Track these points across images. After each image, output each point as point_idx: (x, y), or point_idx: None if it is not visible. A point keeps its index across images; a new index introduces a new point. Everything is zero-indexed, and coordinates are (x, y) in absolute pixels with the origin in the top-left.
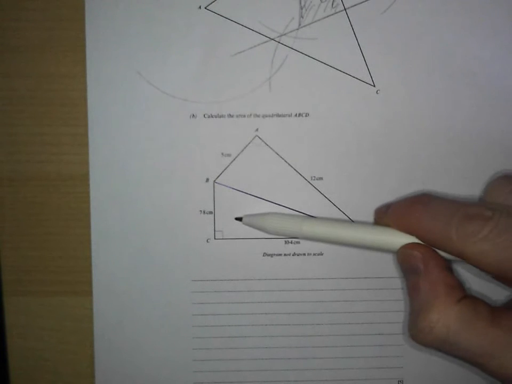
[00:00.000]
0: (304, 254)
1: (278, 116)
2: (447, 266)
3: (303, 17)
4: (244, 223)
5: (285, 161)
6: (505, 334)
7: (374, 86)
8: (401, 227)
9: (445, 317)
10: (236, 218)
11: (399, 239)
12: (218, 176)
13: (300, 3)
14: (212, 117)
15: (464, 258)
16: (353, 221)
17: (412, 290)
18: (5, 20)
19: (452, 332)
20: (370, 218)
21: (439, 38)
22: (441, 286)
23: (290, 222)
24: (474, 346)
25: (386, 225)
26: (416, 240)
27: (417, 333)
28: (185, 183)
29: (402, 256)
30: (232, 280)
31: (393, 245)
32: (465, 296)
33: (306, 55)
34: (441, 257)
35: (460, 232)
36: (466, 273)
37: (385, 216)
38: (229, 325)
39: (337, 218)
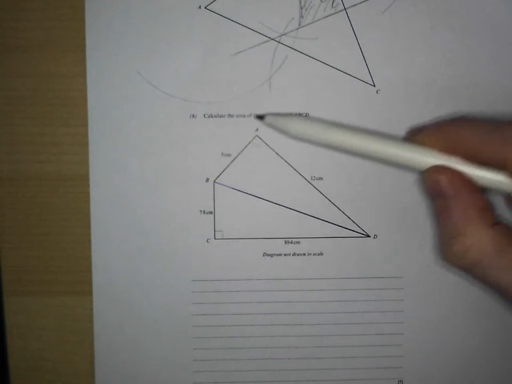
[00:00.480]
0: (304, 254)
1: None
2: (478, 190)
3: (303, 17)
4: (266, 123)
5: (285, 161)
6: None
7: (374, 86)
8: (439, 140)
9: (479, 242)
10: (257, 116)
11: (428, 158)
12: (218, 176)
13: (300, 3)
14: (212, 117)
15: (506, 163)
16: (382, 135)
17: (442, 213)
18: (5, 19)
19: (486, 256)
20: (370, 219)
21: (439, 38)
22: (473, 210)
23: (316, 128)
24: (505, 273)
25: (420, 142)
26: (446, 163)
27: (452, 256)
28: (185, 183)
29: (430, 179)
30: (232, 280)
31: (421, 163)
32: (498, 222)
33: (306, 55)
34: (472, 181)
35: (504, 135)
36: (497, 201)
37: (421, 132)
38: (229, 325)
39: (366, 129)
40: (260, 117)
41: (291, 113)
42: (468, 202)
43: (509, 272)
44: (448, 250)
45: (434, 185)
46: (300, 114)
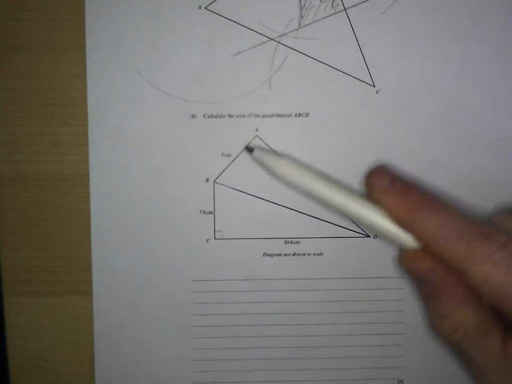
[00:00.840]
0: (304, 254)
1: (278, 115)
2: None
3: (303, 17)
4: (253, 158)
5: None
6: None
7: (374, 86)
8: (403, 222)
9: (466, 322)
10: (246, 148)
11: (401, 234)
12: (218, 176)
13: (300, 3)
14: (212, 117)
15: (464, 275)
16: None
17: (427, 297)
18: (5, 19)
19: (466, 339)
20: None
21: (439, 38)
22: (459, 292)
23: (302, 174)
24: (477, 360)
25: (381, 204)
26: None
27: (442, 332)
28: (185, 183)
29: (411, 267)
30: (232, 280)
31: (395, 238)
32: (481, 304)
33: (306, 55)
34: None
35: (469, 248)
36: None
37: (386, 196)
38: (229, 325)
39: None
40: (249, 149)
41: (284, 155)
42: (455, 288)
43: (481, 360)
44: (438, 327)
45: (420, 272)
46: (300, 115)
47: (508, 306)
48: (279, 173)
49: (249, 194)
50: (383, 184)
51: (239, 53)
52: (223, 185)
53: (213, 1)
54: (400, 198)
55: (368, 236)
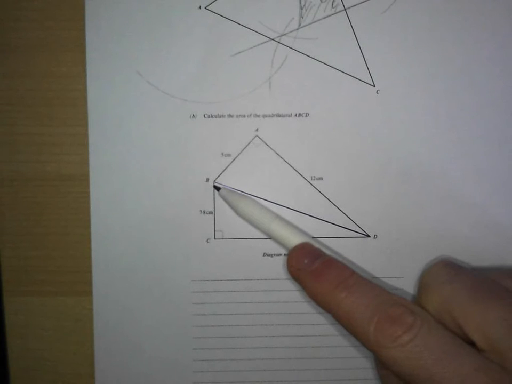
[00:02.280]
0: None
1: (278, 115)
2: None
3: (303, 17)
4: (220, 195)
5: (285, 161)
6: None
7: (374, 86)
8: (319, 302)
9: None
10: (214, 186)
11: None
12: (218, 176)
13: (300, 3)
14: (212, 117)
15: (377, 356)
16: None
17: None
18: (5, 19)
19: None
20: (370, 219)
21: (439, 38)
22: None
23: (261, 215)
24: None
25: (300, 284)
26: None
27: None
28: (185, 183)
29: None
30: (232, 280)
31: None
32: None
33: (306, 55)
34: None
35: (377, 332)
36: None
37: (303, 277)
38: (229, 325)
39: (304, 231)
40: (217, 188)
41: (246, 196)
42: None
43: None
44: (384, 377)
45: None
46: (300, 115)
47: None
48: (240, 213)
49: (249, 194)
50: (301, 266)
51: (239, 53)
52: (223, 185)
53: (213, 1)
54: (316, 281)
55: (368, 236)
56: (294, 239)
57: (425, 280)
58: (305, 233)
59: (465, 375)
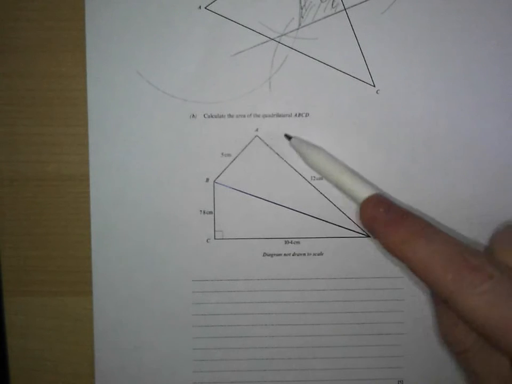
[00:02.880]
0: (304, 254)
1: (278, 115)
2: None
3: (303, 17)
4: (291, 144)
5: (285, 161)
6: None
7: (374, 86)
8: (394, 250)
9: (468, 339)
10: (285, 135)
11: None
12: (218, 176)
13: (300, 3)
14: (212, 117)
15: (452, 304)
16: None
17: (438, 304)
18: (5, 19)
19: (470, 353)
20: None
21: (439, 38)
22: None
23: (332, 166)
24: (481, 374)
25: (375, 234)
26: None
27: (446, 341)
28: (185, 183)
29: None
30: (232, 280)
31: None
32: None
33: (306, 55)
34: None
35: (457, 278)
36: None
37: (379, 226)
38: (229, 325)
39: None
40: (288, 137)
41: (320, 148)
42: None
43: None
44: (444, 334)
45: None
46: (300, 115)
47: (494, 337)
48: (311, 162)
49: (249, 194)
50: (376, 215)
51: (239, 53)
52: (223, 185)
53: (213, 1)
54: (392, 229)
55: (368, 236)
56: (366, 191)
57: (498, 239)
58: (377, 187)
59: None
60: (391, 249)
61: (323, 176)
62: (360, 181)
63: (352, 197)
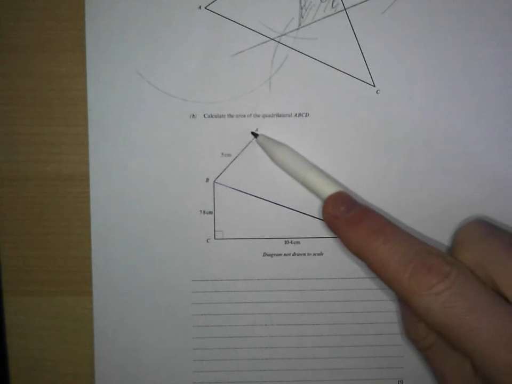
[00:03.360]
0: (304, 254)
1: (278, 115)
2: None
3: (303, 17)
4: (257, 142)
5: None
6: None
7: (374, 86)
8: (353, 248)
9: (429, 337)
10: (252, 133)
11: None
12: (218, 176)
13: (300, 3)
14: (212, 117)
15: (409, 304)
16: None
17: (400, 300)
18: (5, 19)
19: (433, 350)
20: None
21: (439, 38)
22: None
23: (297, 164)
24: (443, 370)
25: (335, 232)
26: None
27: (409, 337)
28: (185, 183)
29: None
30: (232, 280)
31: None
32: None
33: (306, 55)
34: None
35: (412, 279)
36: None
37: (339, 224)
38: (229, 325)
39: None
40: (254, 135)
41: (284, 144)
42: None
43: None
44: (407, 330)
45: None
46: (300, 115)
47: (450, 337)
48: (276, 159)
49: (249, 194)
50: (337, 213)
51: (239, 53)
52: (223, 185)
53: (213, 1)
54: (352, 227)
55: None
56: (330, 189)
57: (459, 237)
58: (341, 185)
59: (500, 325)
60: (350, 247)
61: (289, 174)
62: (324, 179)
63: (317, 195)
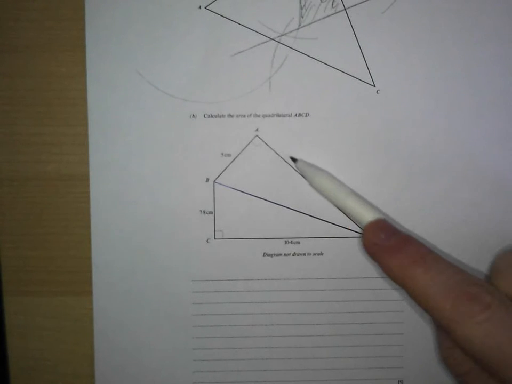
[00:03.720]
0: (304, 254)
1: (278, 115)
2: None
3: (303, 17)
4: (296, 167)
5: (285, 161)
6: None
7: (374, 86)
8: (394, 277)
9: (466, 363)
10: (291, 158)
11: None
12: (218, 176)
13: (300, 3)
14: (212, 117)
15: (450, 332)
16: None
17: (437, 326)
18: (5, 19)
19: (470, 376)
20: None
21: (439, 38)
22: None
23: (336, 190)
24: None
25: (375, 259)
26: None
27: (445, 363)
28: (185, 183)
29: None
30: (232, 280)
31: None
32: None
33: (306, 55)
34: None
35: (454, 309)
36: None
37: (379, 252)
38: (229, 325)
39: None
40: (293, 159)
41: (323, 170)
42: None
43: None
44: (443, 357)
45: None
46: (300, 115)
47: (490, 366)
48: (316, 185)
49: (249, 194)
50: (377, 241)
51: (239, 53)
52: (223, 185)
53: (213, 1)
54: (392, 255)
55: None
56: (369, 215)
57: (498, 265)
58: (380, 211)
59: None
60: (390, 275)
61: (328, 199)
62: (364, 205)
63: (356, 221)
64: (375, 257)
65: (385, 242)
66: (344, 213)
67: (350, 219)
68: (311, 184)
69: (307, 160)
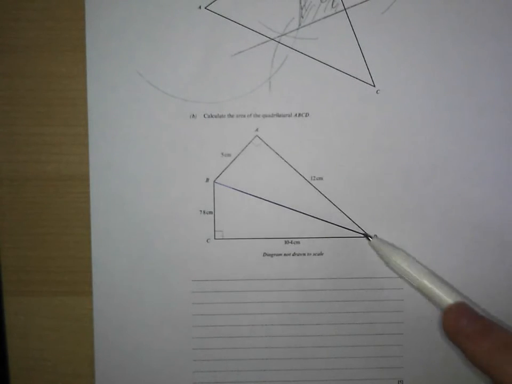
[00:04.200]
0: (304, 254)
1: (278, 115)
2: None
3: (303, 17)
4: (371, 245)
5: (285, 161)
6: None
7: (374, 86)
8: (478, 363)
9: None
10: (365, 236)
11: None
12: (218, 176)
13: (300, 3)
14: (212, 117)
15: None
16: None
17: None
18: (5, 19)
19: None
20: (370, 218)
21: (439, 38)
22: None
23: (413, 269)
24: None
25: (458, 344)
26: None
27: None
28: (185, 183)
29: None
30: (232, 280)
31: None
32: None
33: (306, 55)
34: None
35: None
36: None
37: (463, 338)
38: (229, 325)
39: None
40: (367, 237)
41: (399, 249)
42: None
43: None
44: None
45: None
46: (300, 115)
47: None
48: (392, 263)
49: (249, 194)
50: (459, 327)
51: (239, 53)
52: (223, 185)
53: (213, 1)
54: (476, 342)
55: (369, 236)
56: (448, 297)
57: None
58: (457, 291)
59: None
60: (474, 362)
61: (403, 278)
62: (441, 286)
63: (433, 302)
64: (457, 343)
65: (467, 329)
66: (421, 293)
67: (429, 300)
68: (387, 263)
69: (382, 238)
